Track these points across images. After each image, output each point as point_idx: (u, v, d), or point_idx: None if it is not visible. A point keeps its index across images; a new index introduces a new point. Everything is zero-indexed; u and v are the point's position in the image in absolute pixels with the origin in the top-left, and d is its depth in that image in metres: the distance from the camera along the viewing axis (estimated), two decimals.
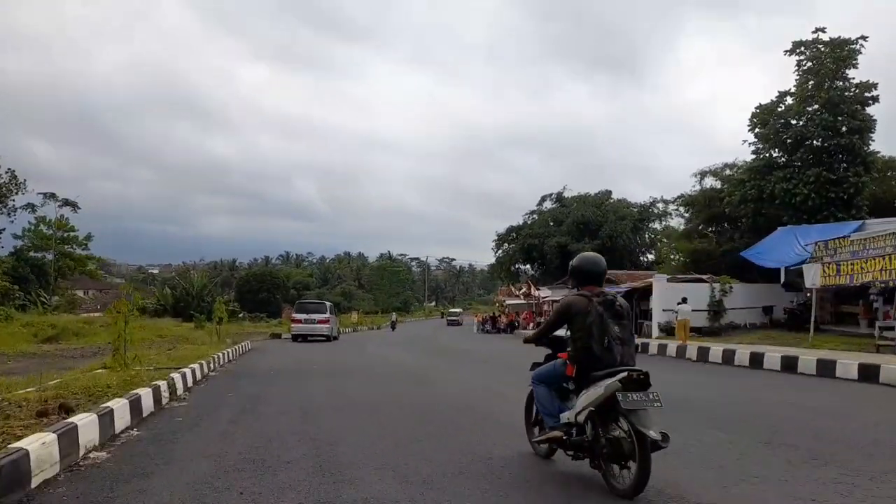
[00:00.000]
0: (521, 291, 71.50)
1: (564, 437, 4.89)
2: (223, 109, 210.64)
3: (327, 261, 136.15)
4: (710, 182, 46.09)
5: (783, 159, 36.55)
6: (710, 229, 45.05)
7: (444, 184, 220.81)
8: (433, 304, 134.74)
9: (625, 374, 4.47)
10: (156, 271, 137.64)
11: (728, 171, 45.39)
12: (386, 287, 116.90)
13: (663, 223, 58.36)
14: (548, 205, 62.79)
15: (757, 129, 38.30)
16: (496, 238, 62.74)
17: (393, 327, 58.53)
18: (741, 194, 37.79)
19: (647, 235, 59.58)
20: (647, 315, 29.04)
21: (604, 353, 4.73)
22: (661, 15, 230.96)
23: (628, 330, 4.90)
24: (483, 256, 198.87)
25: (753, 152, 38.99)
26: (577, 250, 55.06)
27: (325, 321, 29.41)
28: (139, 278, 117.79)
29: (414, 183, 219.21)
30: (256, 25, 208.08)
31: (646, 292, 28.64)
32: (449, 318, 77.45)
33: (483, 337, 40.78)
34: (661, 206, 58.35)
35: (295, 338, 29.58)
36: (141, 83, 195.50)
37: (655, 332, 27.08)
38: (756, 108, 38.27)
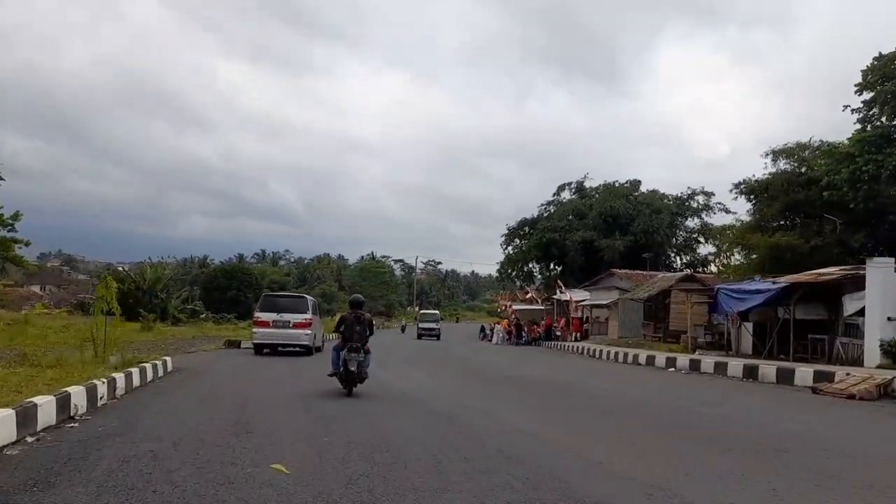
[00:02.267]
0: (527, 295, 62.01)
1: (336, 373, 10.14)
2: (198, 108, 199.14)
3: (306, 261, 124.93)
4: (782, 165, 37.05)
5: None
6: (787, 220, 35.80)
7: (422, 189, 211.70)
8: (417, 308, 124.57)
9: (351, 345, 10.03)
10: (125, 267, 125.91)
11: (806, 152, 36.54)
12: (368, 289, 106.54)
13: (703, 218, 49.08)
14: (566, 195, 53.33)
15: (868, 91, 29.25)
16: (506, 232, 53.19)
17: (403, 329, 55.15)
18: (849, 173, 28.43)
19: (680, 234, 50.24)
20: (826, 327, 18.26)
21: (351, 335, 10.18)
22: (641, 23, 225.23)
23: (363, 326, 10.39)
24: (464, 265, 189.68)
25: (861, 120, 29.86)
26: (606, 247, 45.54)
27: (306, 324, 19.31)
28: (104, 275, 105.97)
29: (392, 187, 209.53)
30: (232, 22, 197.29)
31: (819, 290, 18.12)
32: (422, 324, 43.01)
33: (521, 352, 30.25)
34: (700, 198, 49.12)
35: (258, 349, 19.52)
36: (113, 79, 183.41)
37: (875, 356, 14.76)
38: (875, 58, 28.97)
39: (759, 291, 17.06)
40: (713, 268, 47.23)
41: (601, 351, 23.91)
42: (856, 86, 29.51)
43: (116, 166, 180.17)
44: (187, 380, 11.55)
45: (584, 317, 35.30)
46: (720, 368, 15.11)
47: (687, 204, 49.52)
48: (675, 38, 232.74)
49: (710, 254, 49.06)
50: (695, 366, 16.07)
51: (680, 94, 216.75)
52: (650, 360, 18.45)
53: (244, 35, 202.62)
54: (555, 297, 44.24)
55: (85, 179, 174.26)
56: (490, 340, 49.86)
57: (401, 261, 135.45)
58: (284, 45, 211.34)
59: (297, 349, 19.76)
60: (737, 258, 41.21)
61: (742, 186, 39.39)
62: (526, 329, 35.67)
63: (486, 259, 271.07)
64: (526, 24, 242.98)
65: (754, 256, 35.49)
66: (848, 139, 30.57)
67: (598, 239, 46.27)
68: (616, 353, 21.90)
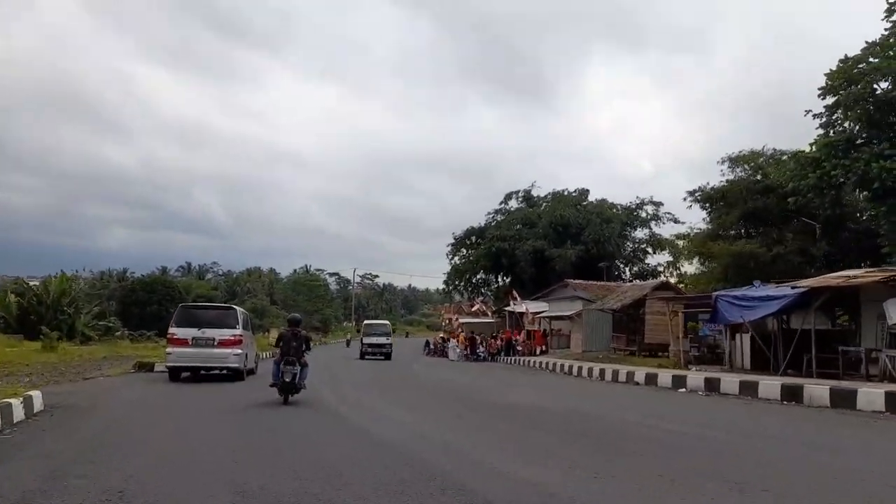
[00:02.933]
0: (473, 308, 59.22)
1: (276, 384, 11.31)
2: (116, 113, 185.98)
3: (235, 274, 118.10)
4: (739, 172, 35.85)
5: (864, 135, 26.98)
6: (746, 229, 34.49)
7: (354, 202, 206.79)
8: (354, 323, 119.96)
9: (287, 358, 11.27)
10: (36, 283, 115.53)
11: (761, 160, 35.48)
12: (303, 303, 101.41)
13: (652, 228, 47.73)
14: (514, 204, 51.06)
15: (832, 95, 28.12)
16: (452, 242, 50.33)
17: (348, 344, 52.70)
18: (816, 178, 27.13)
19: (628, 244, 48.73)
20: (845, 337, 16.41)
21: (288, 350, 11.34)
22: (568, 44, 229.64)
23: (299, 341, 11.60)
24: (401, 279, 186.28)
25: (824, 125, 28.71)
26: (558, 257, 43.28)
27: (234, 342, 15.51)
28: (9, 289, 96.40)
29: (324, 200, 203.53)
30: (152, 26, 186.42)
31: (844, 297, 15.54)
32: (367, 339, 33.15)
33: (485, 369, 26.52)
34: (650, 208, 47.79)
35: (174, 374, 15.61)
36: (21, 81, 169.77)
37: None
38: (840, 60, 27.78)
39: (770, 298, 14.72)
40: (665, 278, 45.85)
41: (575, 367, 21.17)
42: (819, 89, 28.24)
43: (28, 175, 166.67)
44: (55, 427, 7.86)
45: (544, 329, 32.69)
46: (748, 389, 12.51)
47: (636, 213, 48.11)
48: (600, 59, 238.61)
49: (659, 264, 47.81)
50: (712, 386, 13.41)
51: (604, 113, 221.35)
52: (650, 379, 15.74)
53: (165, 39, 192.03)
54: (507, 308, 41.58)
55: None
56: (435, 355, 46.85)
57: (336, 274, 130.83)
58: (208, 52, 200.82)
59: (224, 372, 16.01)
60: (693, 268, 39.80)
61: (697, 194, 37.94)
62: (482, 343, 32.65)
63: (421, 273, 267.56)
64: (457, 38, 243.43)
65: (714, 265, 33.93)
66: (811, 144, 29.29)
67: (548, 248, 44.10)
68: (597, 371, 19.16)
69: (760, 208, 33.23)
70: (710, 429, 8.30)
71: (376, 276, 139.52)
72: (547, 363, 24.57)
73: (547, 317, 32.25)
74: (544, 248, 43.97)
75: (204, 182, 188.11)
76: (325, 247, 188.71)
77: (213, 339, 15.37)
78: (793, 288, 15.02)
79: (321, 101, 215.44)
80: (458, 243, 49.96)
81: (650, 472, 5.45)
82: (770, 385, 12.07)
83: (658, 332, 23.24)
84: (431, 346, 49.65)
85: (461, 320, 53.69)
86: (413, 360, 32.88)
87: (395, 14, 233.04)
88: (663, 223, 47.05)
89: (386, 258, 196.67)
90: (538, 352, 31.45)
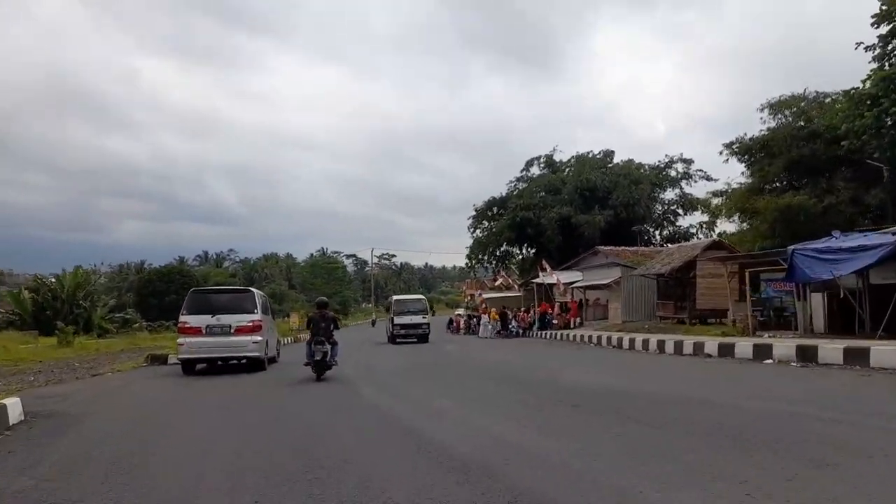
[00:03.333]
0: (496, 282, 57.31)
1: (310, 363, 12.18)
2: (122, 107, 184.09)
3: (252, 260, 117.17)
4: (780, 120, 33.33)
5: None
6: (791, 180, 32.08)
7: (366, 182, 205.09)
8: (373, 304, 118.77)
9: (317, 338, 12.18)
10: (53, 280, 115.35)
11: (802, 104, 32.89)
12: (321, 286, 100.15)
13: (683, 188, 45.27)
14: (535, 171, 48.74)
15: (886, 23, 25.60)
16: (473, 214, 48.15)
17: (373, 324, 52.51)
18: (873, 117, 24.78)
19: (657, 206, 46.29)
20: None
21: (318, 331, 12.29)
22: (574, 5, 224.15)
23: (327, 322, 12.51)
24: (417, 257, 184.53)
25: (878, 57, 26.33)
26: (586, 223, 41.08)
27: (254, 328, 13.88)
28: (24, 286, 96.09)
29: (335, 182, 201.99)
30: (149, 16, 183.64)
31: None
32: (399, 319, 27.92)
33: (527, 346, 24.02)
34: (679, 166, 45.28)
35: (188, 366, 13.94)
36: (23, 80, 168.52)
37: None
38: None
39: (865, 248, 12.61)
40: (704, 237, 43.54)
41: (624, 339, 19.20)
42: (872, 17, 25.71)
43: (41, 172, 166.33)
44: (25, 448, 6.08)
45: (579, 300, 30.74)
46: (856, 358, 10.48)
47: (664, 173, 45.63)
48: (608, 20, 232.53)
49: (692, 225, 45.45)
50: (807, 355, 11.35)
51: (614, 75, 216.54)
52: (725, 350, 13.72)
53: (163, 29, 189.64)
54: (535, 280, 39.54)
55: (7, 188, 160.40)
56: (458, 333, 45.11)
57: (353, 255, 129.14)
58: (209, 39, 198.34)
59: (243, 363, 14.30)
60: (733, 226, 37.50)
61: (735, 146, 35.53)
62: (514, 318, 30.77)
63: (437, 250, 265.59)
64: (457, 9, 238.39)
65: (759, 222, 31.63)
66: (865, 80, 26.74)
67: (575, 215, 41.86)
68: (653, 343, 17.19)
69: (807, 156, 30.80)
70: (880, 417, 6.36)
71: (393, 256, 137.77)
72: (589, 336, 22.62)
73: (581, 286, 30.28)
74: (571, 215, 41.77)
75: (215, 171, 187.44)
76: (339, 228, 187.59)
77: (230, 327, 13.65)
78: (894, 234, 12.90)
79: (326, 82, 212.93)
80: (480, 215, 47.85)
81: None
82: (885, 352, 10.06)
83: (711, 297, 21.18)
84: (454, 324, 47.96)
85: (485, 296, 51.93)
86: (442, 339, 31.15)
87: None
88: (695, 181, 44.63)
89: (401, 237, 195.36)
90: (573, 324, 29.57)
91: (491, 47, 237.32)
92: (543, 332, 28.21)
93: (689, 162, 44.80)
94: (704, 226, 44.27)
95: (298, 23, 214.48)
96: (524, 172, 48.65)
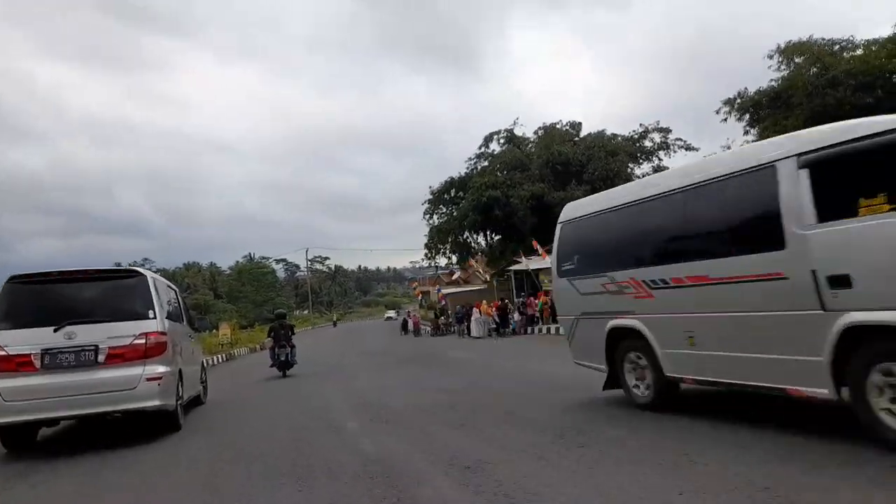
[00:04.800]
0: (453, 277, 50.95)
1: (275, 364, 14.41)
2: (18, 115, 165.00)
3: (171, 271, 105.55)
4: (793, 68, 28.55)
5: None
6: None
7: (292, 187, 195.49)
8: (306, 311, 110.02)
9: (280, 343, 14.39)
10: None
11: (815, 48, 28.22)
12: (251, 294, 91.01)
13: (661, 159, 40.24)
14: (495, 147, 42.58)
15: None
16: (430, 198, 41.49)
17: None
18: None
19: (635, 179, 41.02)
20: None
21: (279, 338, 14.42)
22: (491, 5, 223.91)
23: (286, 329, 14.73)
24: (352, 259, 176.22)
25: None
26: (560, 201, 35.37)
27: (148, 350, 6.81)
28: None
29: (259, 187, 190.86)
30: (46, 18, 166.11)
31: None
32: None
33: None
34: (656, 136, 40.24)
35: (8, 438, 6.84)
36: None
37: None
38: None
39: None
40: None
41: None
42: None
43: None
44: None
45: None
46: None
47: (639, 145, 40.50)
48: (525, 21, 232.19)
49: None
50: None
51: (533, 75, 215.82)
52: None
53: (62, 32, 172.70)
54: (512, 268, 33.35)
55: None
56: (419, 335, 38.60)
57: (283, 260, 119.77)
58: (110, 40, 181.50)
59: (128, 417, 7.18)
60: None
61: (738, 102, 30.52)
62: (518, 310, 24.18)
63: (371, 252, 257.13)
64: (374, 8, 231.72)
65: None
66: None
67: (549, 192, 35.99)
68: None
69: (832, 105, 26.02)
70: None
71: (327, 258, 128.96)
72: None
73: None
74: (544, 193, 35.90)
75: (127, 180, 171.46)
76: (266, 236, 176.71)
77: (94, 350, 6.54)
78: None
79: (241, 83, 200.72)
80: (437, 199, 41.29)
81: None
82: None
83: None
84: (411, 326, 41.36)
85: (444, 291, 45.52)
86: (417, 344, 24.53)
87: None
88: (674, 152, 39.70)
89: (331, 241, 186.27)
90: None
91: (410, 46, 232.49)
92: (550, 327, 21.88)
93: (666, 131, 39.85)
94: None
95: (207, 22, 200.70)
96: (483, 149, 42.42)
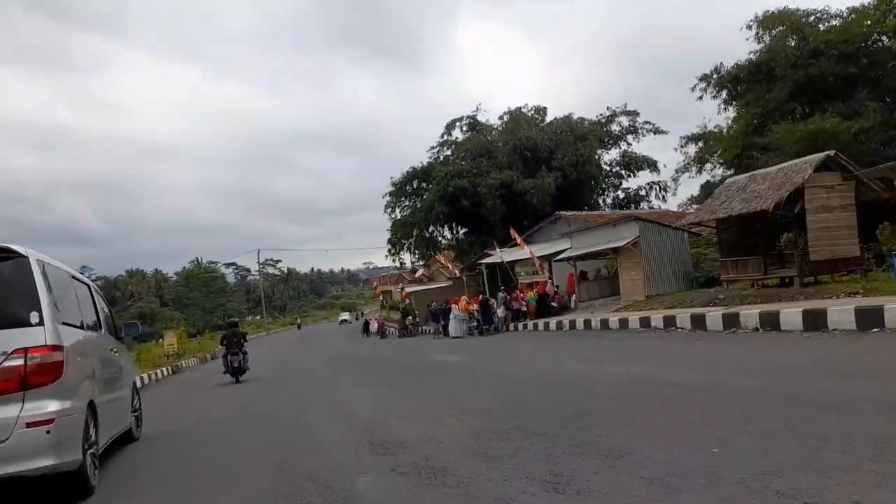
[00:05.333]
0: (416, 274, 48.43)
1: (228, 371, 14.75)
2: None
3: (114, 278, 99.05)
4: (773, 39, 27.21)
5: None
6: (801, 106, 25.90)
7: (240, 190, 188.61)
8: (258, 316, 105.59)
9: (232, 350, 14.62)
10: None
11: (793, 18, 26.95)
12: (200, 300, 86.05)
13: (631, 143, 38.80)
14: (458, 134, 40.41)
15: None
16: (391, 190, 38.91)
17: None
18: None
19: (605, 167, 39.52)
20: None
21: (232, 345, 14.64)
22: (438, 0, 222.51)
23: (238, 338, 14.86)
24: (303, 263, 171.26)
25: None
26: (533, 189, 32.96)
27: (34, 376, 4.25)
28: None
29: (205, 191, 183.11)
30: None
31: None
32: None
33: (585, 346, 15.29)
34: (623, 120, 38.79)
35: None
36: None
37: None
38: None
39: None
40: (661, 201, 37.32)
41: (731, 319, 11.23)
42: None
43: None
44: None
45: (580, 273, 22.62)
46: None
47: (606, 129, 38.92)
48: (472, 15, 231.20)
49: (641, 187, 39.06)
50: None
51: (482, 69, 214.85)
52: None
53: None
54: (484, 262, 31.21)
55: None
56: (386, 335, 36.15)
57: (233, 264, 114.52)
58: (37, 39, 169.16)
59: None
60: (713, 175, 31.08)
61: (715, 77, 29.05)
62: (502, 305, 21.82)
63: (324, 253, 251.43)
64: (320, 3, 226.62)
65: (770, 157, 25.13)
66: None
67: (518, 180, 34.00)
68: (846, 318, 9.33)
69: (816, 77, 24.76)
70: None
71: (279, 261, 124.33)
72: (627, 321, 14.61)
73: (571, 258, 22.17)
74: (513, 180, 33.86)
75: (65, 186, 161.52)
76: (215, 242, 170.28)
77: None
78: None
79: (183, 84, 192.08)
80: (398, 191, 38.72)
81: None
82: None
83: (828, 242, 13.83)
84: (374, 327, 38.74)
85: (408, 289, 43.04)
86: (390, 348, 22.01)
87: None
88: (642, 136, 38.29)
89: (282, 244, 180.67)
90: (572, 305, 21.58)
91: (357, 43, 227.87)
92: (542, 322, 19.66)
93: (633, 114, 38.43)
94: (658, 186, 38.10)
95: (144, 20, 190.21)
96: (446, 137, 40.15)
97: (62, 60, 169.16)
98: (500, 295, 22.40)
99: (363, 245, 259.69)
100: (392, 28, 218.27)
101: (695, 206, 32.27)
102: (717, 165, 29.46)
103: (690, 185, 41.01)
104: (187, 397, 13.27)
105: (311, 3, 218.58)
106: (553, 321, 19.01)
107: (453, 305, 22.83)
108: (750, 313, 11.15)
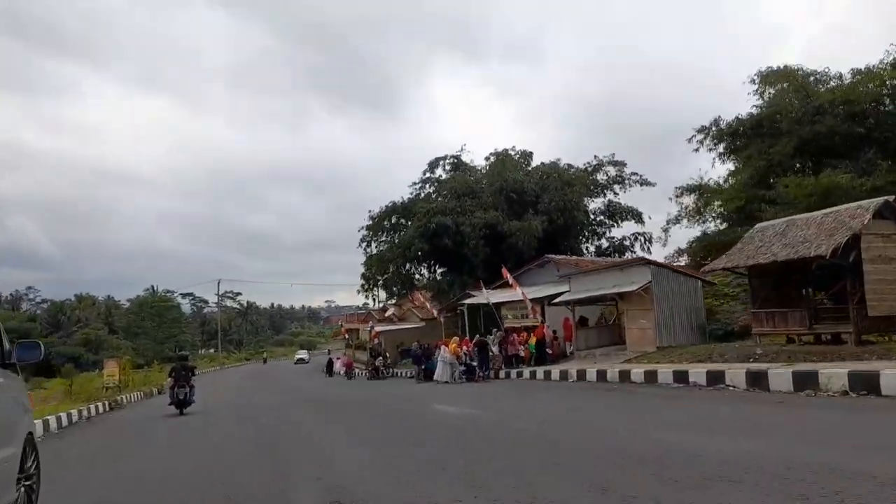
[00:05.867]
0: (387, 313, 45.70)
1: (173, 402, 15.13)
2: None
3: (61, 301, 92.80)
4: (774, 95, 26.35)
5: None
6: (809, 161, 24.86)
7: (203, 222, 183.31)
8: (213, 350, 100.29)
9: (179, 383, 15.05)
10: None
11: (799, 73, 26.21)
12: (152, 330, 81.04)
13: (617, 193, 37.49)
14: (441, 173, 38.62)
15: None
16: (369, 224, 36.59)
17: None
18: None
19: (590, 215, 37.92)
20: None
21: (179, 378, 15.08)
22: (411, 52, 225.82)
23: (186, 370, 15.46)
24: (263, 298, 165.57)
25: None
26: (518, 231, 30.68)
27: None
28: None
29: (167, 221, 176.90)
30: None
31: None
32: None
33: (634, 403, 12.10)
34: (610, 170, 37.52)
35: None
36: None
37: None
38: None
39: None
40: (646, 252, 35.72)
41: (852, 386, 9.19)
42: None
43: None
44: None
45: (580, 318, 20.41)
46: None
47: (592, 178, 37.57)
48: (446, 70, 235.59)
49: (626, 237, 37.50)
50: None
51: (453, 123, 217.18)
52: None
53: None
54: (466, 302, 28.98)
55: None
56: (351, 378, 33.52)
57: (190, 294, 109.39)
58: (11, 61, 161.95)
59: None
60: (703, 227, 29.66)
61: (713, 130, 28.01)
62: (498, 348, 19.36)
63: (282, 290, 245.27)
64: (296, 46, 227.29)
65: (777, 211, 23.81)
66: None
67: (503, 222, 32.15)
68: None
69: (823, 134, 23.78)
70: None
71: (239, 294, 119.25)
72: (656, 374, 12.49)
73: (569, 302, 20.06)
74: (498, 221, 31.98)
75: (19, 209, 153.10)
76: (174, 272, 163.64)
77: None
78: None
79: (152, 114, 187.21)
80: (376, 225, 36.37)
81: None
82: None
83: (888, 294, 12.08)
84: (342, 367, 35.89)
85: (378, 328, 40.30)
86: (365, 391, 19.30)
87: (224, 18, 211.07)
88: (629, 186, 37.00)
89: (244, 279, 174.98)
90: (569, 352, 19.39)
91: (331, 88, 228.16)
92: (548, 368, 17.31)
93: (620, 164, 37.20)
94: (641, 237, 36.66)
95: (119, 49, 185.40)
96: (428, 174, 38.25)
97: (31, 82, 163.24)
98: (493, 336, 20.05)
99: (327, 283, 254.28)
100: (367, 78, 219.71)
101: (684, 259, 30.88)
102: (715, 217, 28.12)
103: (678, 238, 39.45)
104: (113, 451, 10.15)
105: (286, 47, 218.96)
106: (555, 370, 16.72)
107: (442, 347, 20.26)
108: (835, 373, 9.11)
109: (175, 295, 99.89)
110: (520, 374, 18.31)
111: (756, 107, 26.12)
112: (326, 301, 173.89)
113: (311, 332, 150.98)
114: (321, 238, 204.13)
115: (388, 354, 31.38)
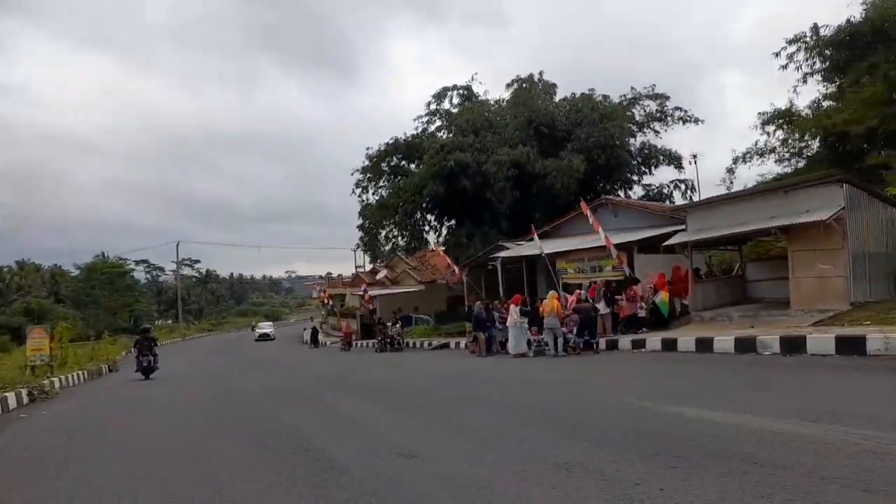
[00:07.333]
0: (379, 275, 39.34)
1: (139, 369, 16.98)
2: None
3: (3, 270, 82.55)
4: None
5: None
6: None
7: (155, 188, 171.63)
8: (170, 321, 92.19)
9: (143, 352, 17.12)
10: None
11: None
12: (103, 298, 72.64)
13: (658, 132, 31.80)
14: (447, 105, 32.14)
15: None
16: (366, 165, 30.07)
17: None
18: None
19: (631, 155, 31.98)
20: None
21: (143, 348, 17.09)
22: (371, 13, 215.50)
23: (149, 341, 17.30)
24: (223, 267, 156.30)
25: None
26: (555, 170, 24.50)
27: None
28: None
29: (117, 188, 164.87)
30: None
31: None
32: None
33: None
34: (652, 104, 31.73)
35: None
36: None
37: None
38: None
39: None
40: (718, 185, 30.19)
41: None
42: None
43: None
44: None
45: (701, 269, 14.68)
46: None
47: (629, 113, 31.72)
48: (404, 31, 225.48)
49: (664, 185, 31.93)
50: None
51: (412, 85, 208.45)
52: None
53: None
54: (500, 256, 23.04)
55: None
56: (350, 348, 27.75)
57: (145, 261, 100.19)
58: None
59: None
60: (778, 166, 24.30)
61: (807, 40, 22.44)
62: (618, 303, 13.35)
63: (242, 260, 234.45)
64: (245, 4, 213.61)
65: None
66: None
67: (533, 160, 26.18)
68: None
69: None
70: None
71: (197, 262, 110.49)
72: None
73: (689, 241, 14.21)
74: (525, 160, 25.97)
75: None
76: (127, 244, 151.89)
77: None
78: None
79: (94, 74, 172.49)
80: (374, 167, 29.81)
81: None
82: None
83: None
84: (345, 336, 29.88)
85: (371, 293, 34.01)
86: (397, 368, 13.34)
87: None
88: (671, 123, 31.36)
89: (200, 249, 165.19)
90: (681, 308, 13.70)
91: (283, 48, 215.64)
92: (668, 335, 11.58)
93: (662, 97, 31.43)
94: (682, 184, 31.20)
95: (55, 3, 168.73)
96: (435, 106, 31.73)
97: None
98: (583, 289, 14.10)
99: (294, 247, 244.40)
100: (322, 38, 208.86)
101: None
102: (805, 147, 22.71)
103: (744, 178, 33.96)
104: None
105: (235, 6, 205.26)
106: (688, 339, 10.98)
107: (512, 306, 14.11)
108: None
109: (128, 262, 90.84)
110: (637, 345, 12.48)
111: (852, 16, 20.54)
112: (287, 272, 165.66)
113: (275, 303, 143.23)
114: (277, 205, 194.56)
115: (400, 321, 25.21)
